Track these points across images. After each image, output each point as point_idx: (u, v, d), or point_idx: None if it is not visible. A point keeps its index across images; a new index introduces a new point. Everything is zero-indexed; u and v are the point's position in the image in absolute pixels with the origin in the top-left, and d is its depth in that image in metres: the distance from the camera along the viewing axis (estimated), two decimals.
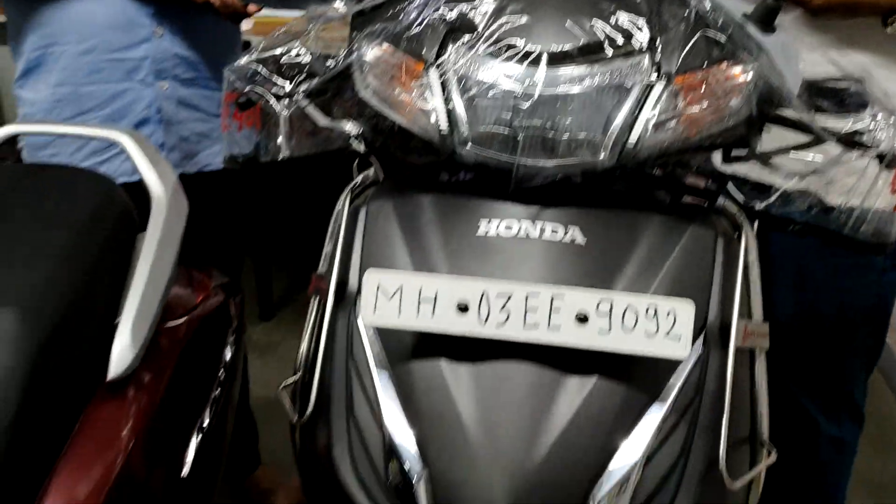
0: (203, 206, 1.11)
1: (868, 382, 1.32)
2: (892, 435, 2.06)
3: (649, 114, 0.71)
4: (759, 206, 0.78)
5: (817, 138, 0.80)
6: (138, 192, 0.98)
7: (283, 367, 2.05)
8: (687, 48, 0.74)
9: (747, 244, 0.77)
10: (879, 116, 0.78)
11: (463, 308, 0.68)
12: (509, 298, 0.68)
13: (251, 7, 1.21)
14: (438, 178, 0.81)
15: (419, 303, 0.68)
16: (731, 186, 0.80)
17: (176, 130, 1.29)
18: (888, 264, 1.18)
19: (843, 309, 1.22)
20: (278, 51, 0.88)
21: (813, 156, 0.80)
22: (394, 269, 0.74)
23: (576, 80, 0.72)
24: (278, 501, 1.72)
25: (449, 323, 0.68)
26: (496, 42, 0.74)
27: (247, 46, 1.41)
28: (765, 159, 0.81)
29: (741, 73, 0.75)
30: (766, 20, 0.80)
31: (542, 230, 0.73)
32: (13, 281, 0.78)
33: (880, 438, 1.99)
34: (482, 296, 0.68)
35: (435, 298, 0.68)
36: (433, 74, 0.75)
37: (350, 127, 0.85)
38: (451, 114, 0.74)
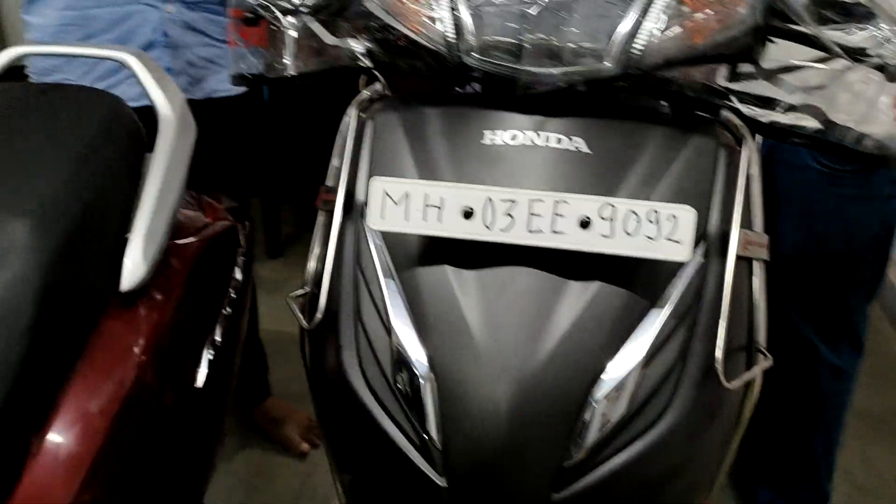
0: (211, 133, 1.11)
1: (869, 318, 1.34)
2: (892, 370, 2.09)
3: (654, 21, 0.71)
4: (764, 118, 0.79)
5: (823, 55, 0.80)
6: (147, 116, 0.99)
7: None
8: None
9: (749, 156, 0.78)
10: (885, 29, 0.77)
11: (468, 214, 0.69)
12: (514, 204, 0.69)
13: None
14: (444, 91, 0.82)
15: (425, 209, 0.69)
16: (734, 100, 0.80)
17: (182, 55, 1.29)
18: (893, 191, 1.18)
19: (848, 238, 1.23)
20: None
21: (817, 70, 0.80)
22: (400, 176, 0.75)
23: None
24: (287, 430, 1.76)
25: (454, 228, 0.69)
26: None
27: None
28: (769, 76, 0.81)
29: None
30: None
31: (547, 140, 0.74)
32: (26, 192, 0.79)
33: (880, 374, 2.02)
34: (487, 202, 0.69)
35: (441, 205, 0.69)
36: None
37: (356, 44, 0.85)
38: (457, 22, 0.74)
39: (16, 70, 1.05)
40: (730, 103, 0.80)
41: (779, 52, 0.83)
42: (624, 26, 0.71)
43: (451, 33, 0.74)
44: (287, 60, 0.89)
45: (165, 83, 1.03)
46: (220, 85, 1.34)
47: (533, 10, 0.72)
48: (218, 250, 1.07)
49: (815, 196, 1.22)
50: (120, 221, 0.89)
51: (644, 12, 0.72)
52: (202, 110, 1.17)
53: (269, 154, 2.25)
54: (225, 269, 1.08)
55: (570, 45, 0.71)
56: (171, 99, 1.01)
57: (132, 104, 1.00)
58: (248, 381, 1.75)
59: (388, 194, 0.70)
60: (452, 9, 0.74)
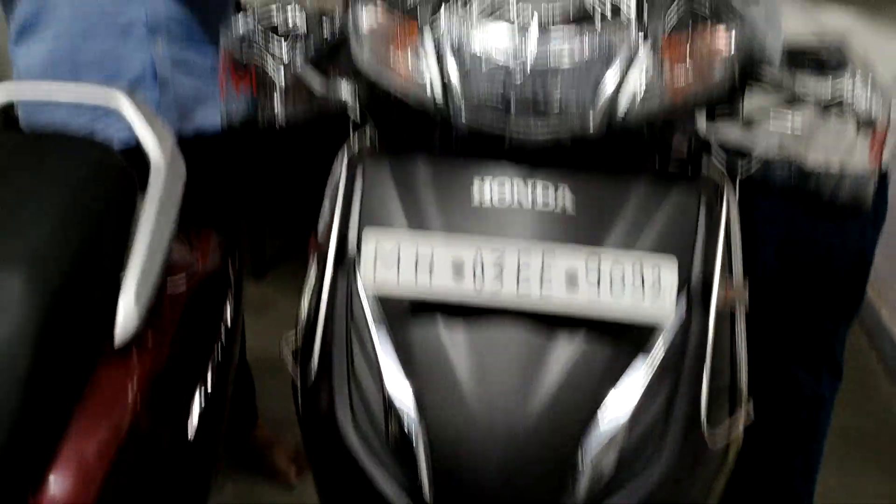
0: (201, 169, 1.12)
1: (847, 336, 1.36)
2: (870, 388, 2.12)
3: (636, 81, 0.74)
4: (742, 170, 0.81)
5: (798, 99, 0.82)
6: (137, 156, 1.00)
7: (278, 325, 2.06)
8: (671, 14, 0.76)
9: (729, 207, 0.80)
10: (857, 79, 0.80)
11: (458, 269, 0.71)
12: (502, 255, 0.71)
13: None
14: (433, 138, 0.83)
15: (416, 266, 0.71)
16: (714, 150, 0.82)
17: (171, 90, 1.29)
18: (870, 219, 1.21)
19: (827, 266, 1.25)
20: (274, 13, 0.89)
21: (792, 118, 0.82)
22: (391, 227, 0.77)
23: (566, 52, 0.74)
24: (275, 457, 1.76)
25: (446, 290, 0.71)
26: (488, 5, 0.76)
27: (239, 5, 1.42)
28: (747, 120, 0.84)
29: (724, 39, 0.77)
30: None
31: (534, 192, 0.76)
32: (17, 243, 0.80)
33: (857, 391, 2.04)
34: (476, 253, 0.71)
35: (431, 259, 0.71)
36: (427, 39, 0.77)
37: (346, 91, 0.87)
38: (445, 82, 0.75)
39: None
40: (709, 152, 0.83)
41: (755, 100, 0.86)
42: (607, 87, 0.74)
43: (439, 93, 0.76)
44: (277, 108, 0.90)
45: (155, 124, 1.04)
46: (210, 120, 1.34)
47: (519, 70, 0.74)
48: (208, 290, 1.08)
49: (794, 225, 1.24)
50: (113, 264, 0.89)
51: (626, 71, 0.74)
52: (192, 147, 1.18)
53: (255, 181, 2.24)
54: (215, 310, 1.09)
55: (557, 106, 0.74)
56: (160, 140, 1.02)
57: (124, 138, 1.01)
58: (236, 408, 1.75)
59: (380, 251, 0.72)
60: (440, 69, 0.76)
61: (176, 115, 1.31)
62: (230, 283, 1.13)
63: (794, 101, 0.82)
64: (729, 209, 0.80)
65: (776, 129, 0.82)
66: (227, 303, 1.11)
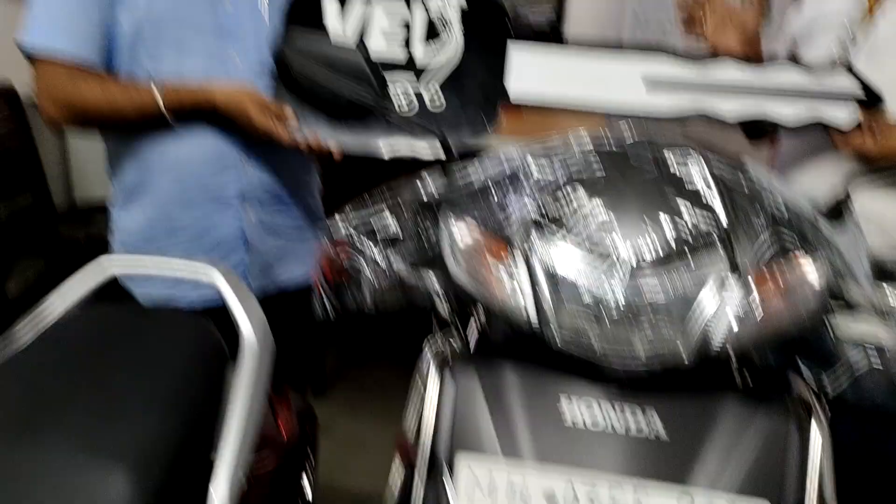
0: (282, 325, 1.16)
1: None
2: None
3: (728, 314, 0.76)
4: (831, 388, 0.82)
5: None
6: (220, 316, 1.04)
7: (344, 447, 2.04)
8: (761, 245, 0.79)
9: (819, 427, 0.80)
10: None
11: (551, 499, 0.72)
12: (594, 489, 0.72)
13: (335, 150, 1.27)
14: (520, 349, 0.86)
15: (510, 495, 0.73)
16: (802, 368, 0.83)
17: (259, 252, 1.36)
18: None
19: None
20: (371, 219, 0.95)
21: (880, 335, 0.83)
22: (483, 451, 0.79)
23: (658, 285, 0.77)
24: None
25: None
26: (581, 236, 0.80)
27: (324, 169, 1.50)
28: (835, 338, 0.85)
29: (812, 269, 0.79)
30: (836, 213, 0.85)
31: (622, 415, 0.77)
32: (123, 437, 0.84)
33: None
34: (568, 486, 0.72)
35: (524, 488, 0.73)
36: (522, 262, 0.81)
37: (437, 288, 0.90)
38: (540, 308, 0.79)
39: None
40: (798, 370, 0.83)
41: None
42: (699, 323, 0.76)
43: (534, 316, 0.79)
44: (367, 298, 0.95)
45: (247, 300, 1.09)
46: (291, 277, 1.40)
47: (612, 302, 0.77)
48: (291, 462, 1.10)
49: (870, 438, 1.21)
50: (207, 444, 0.93)
51: (718, 305, 0.76)
52: (273, 303, 1.23)
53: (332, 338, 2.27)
54: (296, 481, 1.11)
55: (649, 338, 0.76)
56: (252, 317, 1.07)
57: (206, 299, 1.05)
58: None
59: (474, 473, 0.74)
60: (535, 292, 0.79)
61: (261, 275, 1.37)
62: (309, 453, 1.16)
63: (881, 317, 0.83)
64: (819, 431, 0.80)
65: (865, 345, 0.83)
66: (306, 475, 1.13)
